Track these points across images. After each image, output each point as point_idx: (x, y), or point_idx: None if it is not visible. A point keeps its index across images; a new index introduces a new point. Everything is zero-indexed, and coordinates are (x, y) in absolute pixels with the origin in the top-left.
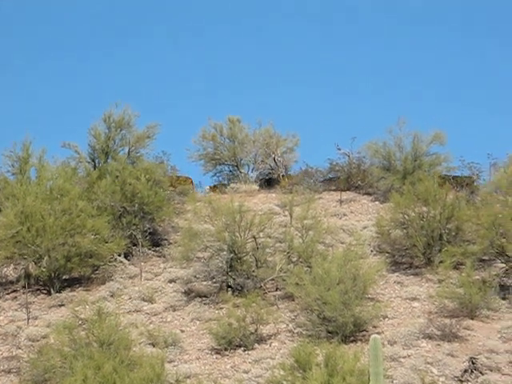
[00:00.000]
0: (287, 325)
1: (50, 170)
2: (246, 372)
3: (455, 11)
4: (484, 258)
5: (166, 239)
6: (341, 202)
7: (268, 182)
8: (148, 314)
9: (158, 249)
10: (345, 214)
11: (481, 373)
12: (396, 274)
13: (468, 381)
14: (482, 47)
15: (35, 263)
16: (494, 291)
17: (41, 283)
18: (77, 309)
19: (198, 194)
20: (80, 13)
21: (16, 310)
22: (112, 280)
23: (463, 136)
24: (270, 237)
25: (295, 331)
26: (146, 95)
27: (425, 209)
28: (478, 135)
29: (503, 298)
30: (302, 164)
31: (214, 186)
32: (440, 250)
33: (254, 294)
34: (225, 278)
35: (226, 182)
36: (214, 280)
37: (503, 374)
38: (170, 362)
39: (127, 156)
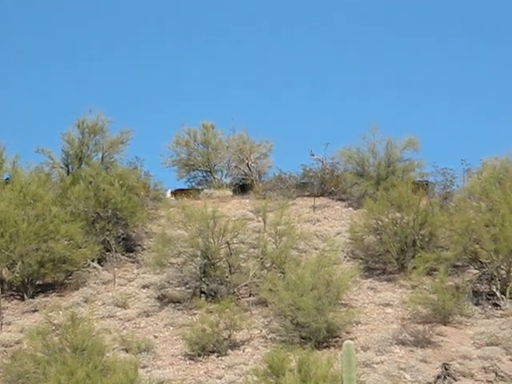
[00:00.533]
0: (260, 330)
1: (24, 175)
2: (220, 378)
3: (426, 17)
4: (457, 263)
5: (139, 245)
6: (314, 207)
7: (242, 188)
8: (121, 319)
9: (131, 254)
10: (318, 220)
11: (454, 379)
12: (369, 279)
13: None
14: (456, 53)
15: (8, 269)
16: (467, 297)
17: (14, 289)
18: (50, 314)
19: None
20: (55, 20)
21: None
22: (85, 285)
23: (437, 142)
24: (243, 243)
25: (268, 337)
26: (119, 101)
27: (398, 215)
28: (452, 141)
29: (476, 304)
30: (275, 170)
31: (177, 191)
32: (413, 256)
33: (228, 300)
34: (198, 283)
35: (198, 187)
36: (188, 286)
37: (476, 380)
38: (143, 367)
39: (101, 162)
